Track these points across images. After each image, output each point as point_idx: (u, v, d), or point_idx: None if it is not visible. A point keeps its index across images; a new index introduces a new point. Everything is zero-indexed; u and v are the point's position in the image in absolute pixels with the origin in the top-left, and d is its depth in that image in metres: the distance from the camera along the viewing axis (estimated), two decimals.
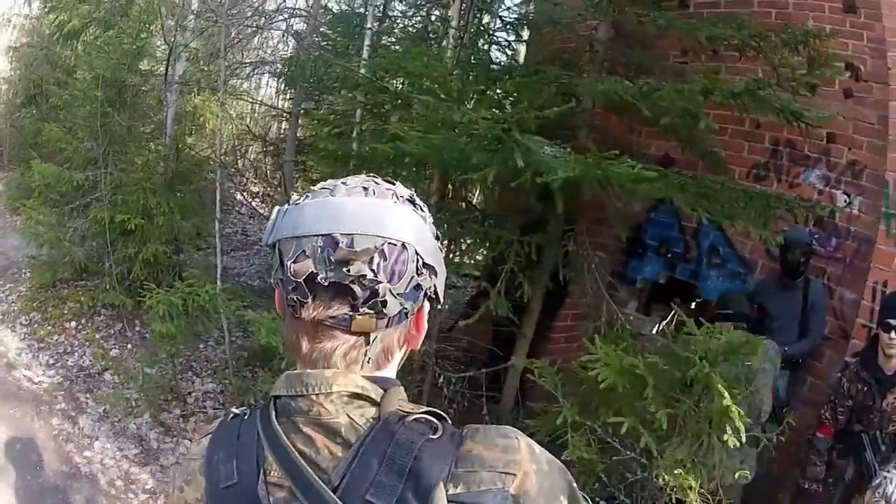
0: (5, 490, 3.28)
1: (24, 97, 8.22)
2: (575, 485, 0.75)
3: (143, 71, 5.63)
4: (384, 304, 0.69)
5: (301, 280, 0.68)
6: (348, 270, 0.67)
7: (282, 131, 6.16)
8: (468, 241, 3.72)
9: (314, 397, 0.70)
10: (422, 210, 0.75)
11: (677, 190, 2.80)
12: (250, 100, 6.80)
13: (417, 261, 0.71)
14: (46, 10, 8.43)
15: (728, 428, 2.11)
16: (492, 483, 0.67)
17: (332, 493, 0.66)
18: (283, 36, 5.25)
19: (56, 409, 4.08)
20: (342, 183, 0.74)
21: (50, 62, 7.76)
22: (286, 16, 5.12)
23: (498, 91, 3.53)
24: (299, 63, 4.37)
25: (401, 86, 4.00)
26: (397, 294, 0.69)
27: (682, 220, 3.94)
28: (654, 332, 3.76)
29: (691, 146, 3.53)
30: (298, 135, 5.03)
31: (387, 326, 0.71)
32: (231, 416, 0.78)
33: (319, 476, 0.68)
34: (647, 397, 2.16)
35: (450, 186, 3.79)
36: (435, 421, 0.70)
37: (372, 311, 0.69)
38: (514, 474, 0.69)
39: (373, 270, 0.68)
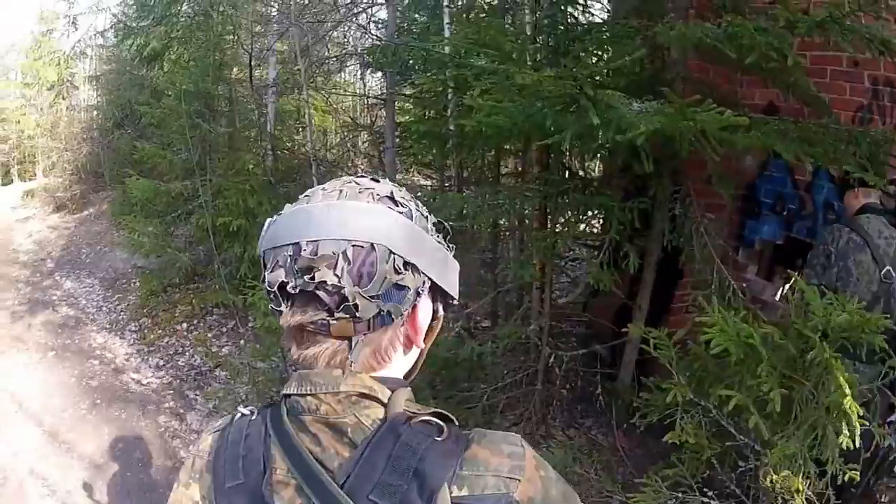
0: (106, 487, 3.35)
1: (113, 120, 8.76)
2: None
3: (232, 79, 5.84)
4: (356, 307, 0.68)
5: (275, 289, 0.69)
6: (312, 278, 0.67)
7: (381, 118, 6.26)
8: (569, 212, 3.59)
9: (322, 396, 0.71)
10: (402, 206, 0.73)
11: (776, 136, 2.57)
12: (343, 92, 6.92)
13: (393, 260, 0.69)
14: (120, 37, 8.97)
15: (844, 425, 1.87)
16: (496, 487, 0.68)
17: (339, 489, 0.67)
18: (366, 27, 5.31)
19: (164, 408, 4.21)
20: (321, 189, 0.74)
21: (136, 85, 8.22)
22: (364, 6, 5.18)
23: (580, 51, 3.38)
24: (381, 50, 4.40)
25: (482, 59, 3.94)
26: (370, 297, 0.68)
27: (794, 174, 3.66)
28: (776, 297, 3.51)
29: (792, 91, 3.30)
30: (397, 119, 5.06)
31: (369, 329, 0.71)
32: (239, 415, 0.80)
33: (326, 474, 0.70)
34: (760, 375, 1.94)
35: (552, 155, 3.68)
36: (441, 423, 0.70)
37: (346, 316, 0.68)
38: (519, 480, 0.69)
39: (336, 275, 0.67)
